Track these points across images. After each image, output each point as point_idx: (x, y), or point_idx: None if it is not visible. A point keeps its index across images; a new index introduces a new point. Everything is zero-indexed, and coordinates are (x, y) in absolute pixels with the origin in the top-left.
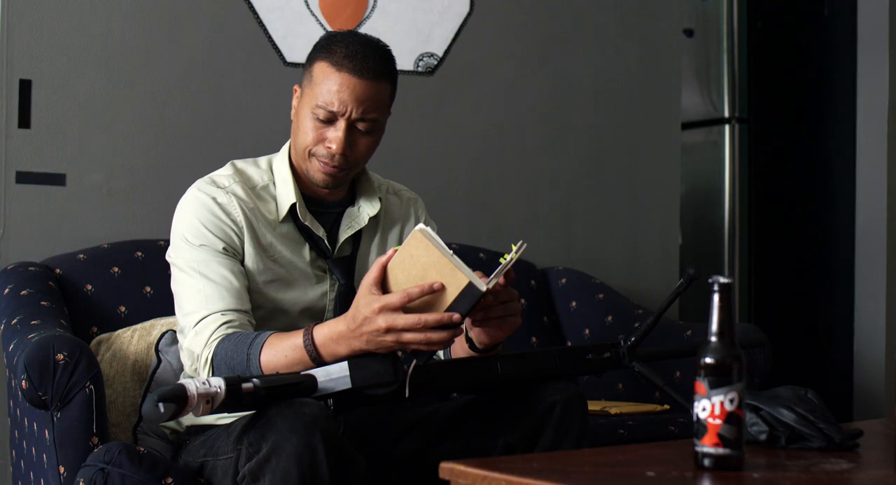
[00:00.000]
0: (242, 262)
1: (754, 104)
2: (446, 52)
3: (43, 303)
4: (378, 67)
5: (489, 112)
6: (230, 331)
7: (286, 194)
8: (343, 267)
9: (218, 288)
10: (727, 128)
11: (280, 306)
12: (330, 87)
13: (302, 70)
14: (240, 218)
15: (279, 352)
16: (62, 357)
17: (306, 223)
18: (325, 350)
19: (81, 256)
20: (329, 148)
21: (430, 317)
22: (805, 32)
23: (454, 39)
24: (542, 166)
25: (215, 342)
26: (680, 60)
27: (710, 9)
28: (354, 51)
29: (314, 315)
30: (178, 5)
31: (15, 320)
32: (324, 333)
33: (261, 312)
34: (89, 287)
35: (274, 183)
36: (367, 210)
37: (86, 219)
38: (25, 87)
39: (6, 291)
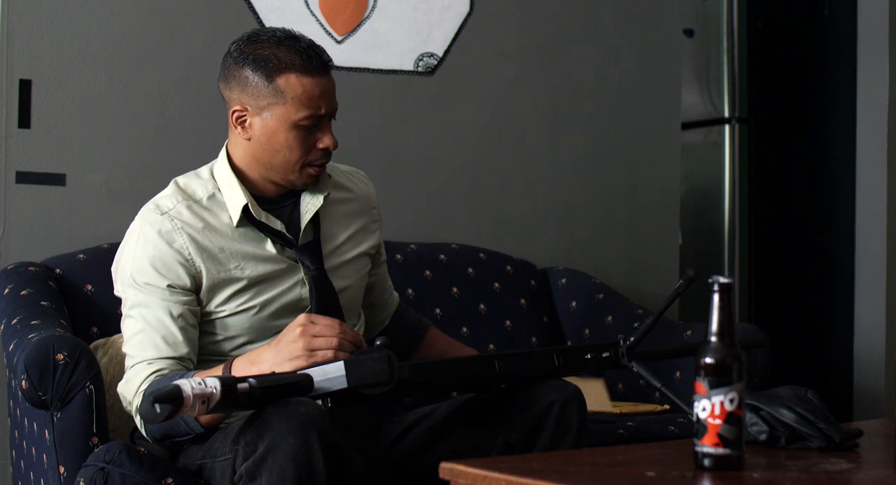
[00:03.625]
0: (200, 289)
1: (754, 104)
2: (446, 52)
3: (43, 303)
4: (328, 56)
5: (489, 112)
6: (157, 377)
7: (235, 197)
8: (310, 252)
9: (152, 334)
10: (727, 128)
11: (258, 307)
12: (311, 93)
13: (241, 90)
14: (185, 246)
15: None
16: (62, 357)
17: (262, 220)
18: (235, 373)
19: (81, 256)
20: (324, 149)
21: (348, 327)
22: (805, 32)
23: (454, 39)
24: (542, 166)
25: (142, 390)
26: (680, 60)
27: (710, 9)
28: (305, 51)
29: (291, 307)
30: (178, 5)
31: (15, 320)
32: (243, 356)
33: (243, 316)
34: (89, 287)
35: (219, 190)
36: (319, 189)
37: (86, 219)
38: (25, 87)
39: (6, 291)
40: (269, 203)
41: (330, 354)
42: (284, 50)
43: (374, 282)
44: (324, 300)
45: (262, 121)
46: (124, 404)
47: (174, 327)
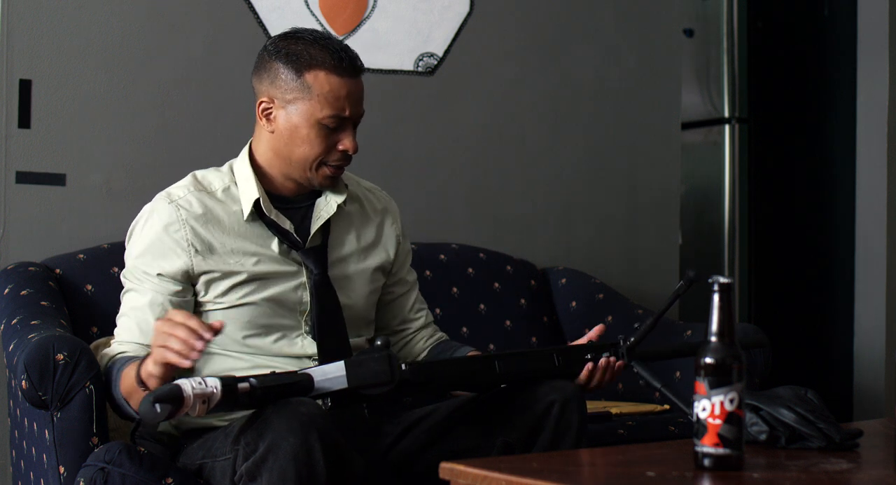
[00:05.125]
0: (193, 281)
1: (754, 104)
2: (446, 52)
3: (43, 303)
4: (360, 61)
5: (489, 112)
6: (119, 356)
7: (248, 192)
8: (316, 257)
9: (131, 318)
10: (727, 128)
11: (257, 304)
12: (338, 93)
13: (270, 82)
14: (186, 237)
15: (129, 373)
16: (62, 357)
17: (272, 218)
18: (143, 372)
19: (81, 256)
20: (344, 151)
21: (194, 321)
22: (805, 32)
23: (454, 39)
24: (542, 166)
25: (106, 366)
26: (680, 60)
27: (710, 9)
28: (340, 51)
29: (291, 308)
30: (178, 5)
31: (15, 320)
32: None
33: (242, 310)
34: (89, 287)
35: (236, 184)
36: (335, 199)
37: (86, 219)
38: (25, 87)
39: (6, 291)
40: (284, 202)
41: (172, 357)
42: (317, 48)
43: (391, 300)
44: (324, 306)
45: (287, 114)
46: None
47: (150, 316)
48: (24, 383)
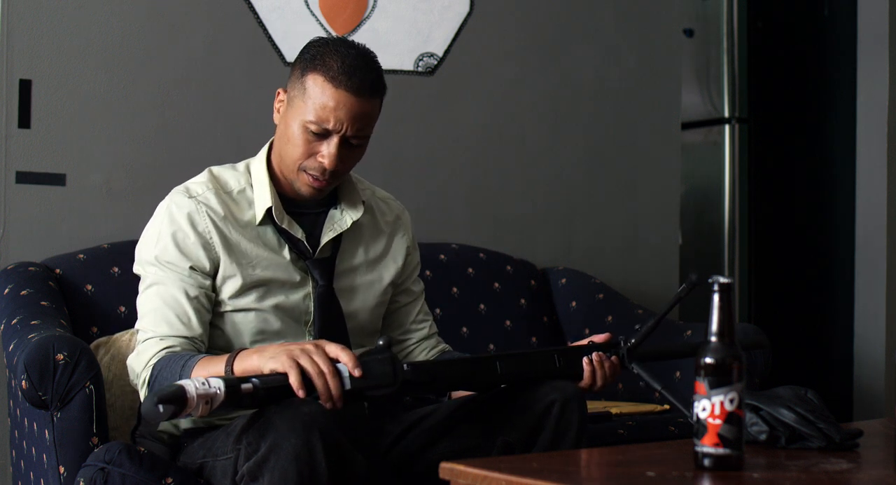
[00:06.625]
0: (216, 275)
1: (754, 104)
2: (446, 52)
3: (43, 303)
4: (374, 84)
5: (489, 112)
6: (167, 353)
7: (262, 197)
8: (323, 268)
9: (167, 312)
10: (727, 128)
11: (262, 310)
12: (326, 103)
13: (290, 76)
14: (209, 230)
15: (209, 372)
16: (62, 357)
17: (284, 226)
18: (238, 363)
19: (81, 256)
20: (321, 162)
21: (331, 380)
22: (805, 32)
23: (454, 39)
24: (542, 166)
25: (152, 364)
26: (680, 60)
27: (710, 9)
28: (351, 66)
29: (296, 317)
30: (178, 5)
31: (15, 320)
32: (249, 349)
33: (247, 315)
34: (89, 287)
35: (251, 186)
36: (350, 214)
37: (86, 219)
38: (25, 87)
39: (6, 291)
40: (297, 207)
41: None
42: (334, 56)
43: (395, 309)
44: (327, 318)
45: (287, 110)
46: (131, 376)
47: (189, 307)
48: (24, 383)
